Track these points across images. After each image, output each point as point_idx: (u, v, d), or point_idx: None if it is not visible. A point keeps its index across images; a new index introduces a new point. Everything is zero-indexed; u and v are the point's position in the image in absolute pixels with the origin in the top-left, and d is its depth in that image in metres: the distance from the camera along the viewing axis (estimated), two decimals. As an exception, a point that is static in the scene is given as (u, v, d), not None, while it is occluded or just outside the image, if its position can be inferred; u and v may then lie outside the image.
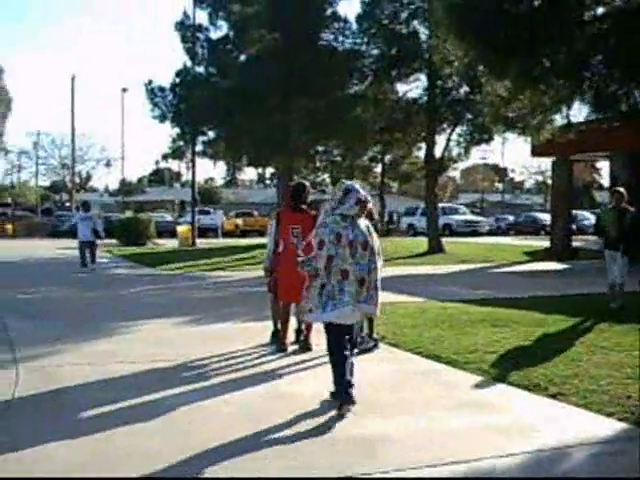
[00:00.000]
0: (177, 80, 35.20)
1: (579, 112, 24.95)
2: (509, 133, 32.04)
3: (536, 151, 31.99)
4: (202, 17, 34.97)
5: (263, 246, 20.82)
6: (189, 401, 7.42)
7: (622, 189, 14.08)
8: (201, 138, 37.95)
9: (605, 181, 75.64)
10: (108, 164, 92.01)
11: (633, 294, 13.48)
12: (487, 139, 32.61)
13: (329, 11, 32.03)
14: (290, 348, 10.02)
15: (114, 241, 37.39)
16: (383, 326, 11.29)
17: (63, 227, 48.71)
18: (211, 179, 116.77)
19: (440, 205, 38.46)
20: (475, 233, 50.24)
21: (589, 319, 12.28)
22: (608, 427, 6.59)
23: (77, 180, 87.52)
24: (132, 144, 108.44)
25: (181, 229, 42.12)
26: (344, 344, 7.30)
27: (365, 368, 8.97)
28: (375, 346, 10.14)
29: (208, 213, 59.06)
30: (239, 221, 58.44)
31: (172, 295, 17.34)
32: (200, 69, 35.28)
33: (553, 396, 7.56)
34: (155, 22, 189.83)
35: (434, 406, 7.31)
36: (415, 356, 9.77)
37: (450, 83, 31.31)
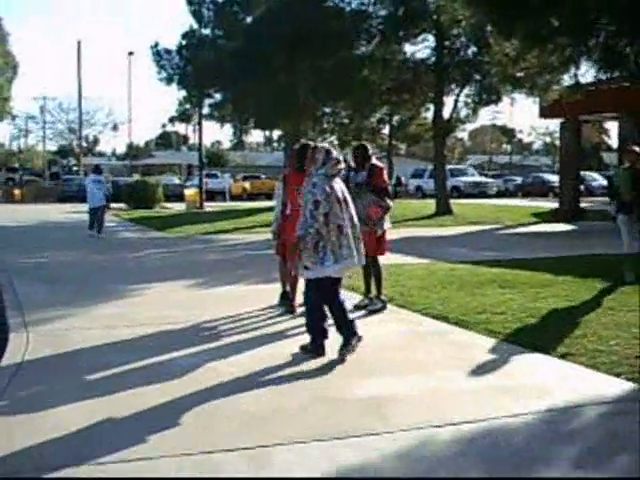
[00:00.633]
0: (183, 42, 35.06)
1: (587, 72, 24.79)
2: (517, 93, 31.91)
3: (544, 112, 31.85)
4: (208, -21, 34.69)
5: (270, 209, 20.86)
6: (198, 362, 7.45)
7: (638, 148, 12.89)
8: (208, 101, 37.85)
9: (614, 142, 75.22)
10: (115, 128, 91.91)
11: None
12: (495, 100, 32.40)
13: (336, -29, 31.70)
14: (299, 310, 10.04)
15: (122, 205, 37.40)
16: (391, 288, 11.30)
17: (71, 191, 48.77)
18: (218, 142, 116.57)
19: (448, 167, 38.28)
20: (483, 195, 50.10)
21: (597, 280, 12.26)
22: (617, 387, 6.59)
23: (84, 144, 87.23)
24: (139, 108, 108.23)
25: (189, 192, 42.13)
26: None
27: (373, 329, 9.00)
28: (383, 307, 10.16)
29: (216, 176, 58.98)
30: (246, 184, 58.34)
31: (181, 258, 17.37)
32: (206, 31, 35.15)
33: (562, 356, 7.56)
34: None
35: (442, 366, 7.32)
36: (423, 317, 9.78)
37: (458, 43, 31.07)
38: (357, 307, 10.19)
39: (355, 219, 7.92)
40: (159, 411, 6.01)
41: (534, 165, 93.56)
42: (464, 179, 52.65)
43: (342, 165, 8.01)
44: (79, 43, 71.12)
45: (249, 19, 33.73)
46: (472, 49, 30.76)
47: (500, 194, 53.34)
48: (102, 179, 22.65)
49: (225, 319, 9.67)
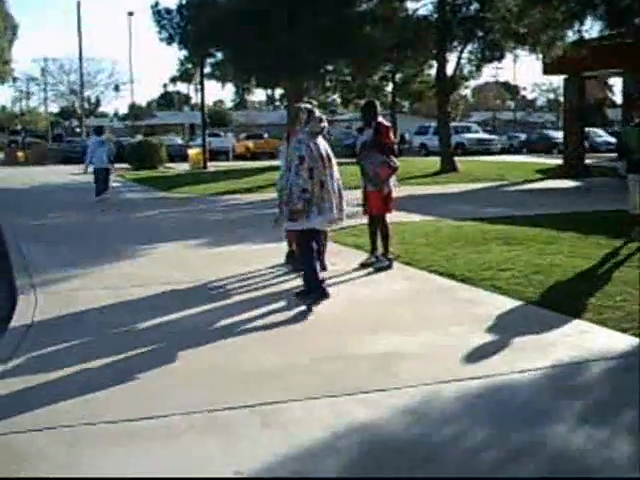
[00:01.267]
0: (183, 1, 34.76)
1: (591, 28, 24.66)
2: (520, 50, 31.77)
3: (548, 69, 31.65)
4: None
5: (275, 168, 20.82)
6: (206, 321, 7.51)
7: None
8: (209, 60, 37.62)
9: (618, 98, 74.70)
10: (117, 88, 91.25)
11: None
12: (498, 57, 32.21)
13: None
14: None
15: (126, 165, 37.33)
16: (397, 245, 11.31)
17: (74, 153, 48.60)
18: (220, 101, 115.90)
19: (452, 124, 38.08)
20: (488, 152, 49.86)
21: (602, 236, 12.27)
22: (623, 343, 6.63)
23: (86, 105, 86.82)
24: (140, 68, 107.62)
25: (192, 152, 42.03)
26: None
27: (380, 286, 9.07)
28: (389, 266, 10.18)
29: (218, 136, 58.77)
30: (250, 143, 58.09)
31: (186, 218, 17.40)
32: (207, -10, 34.75)
33: (567, 312, 7.58)
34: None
35: (449, 323, 7.36)
36: (430, 274, 9.81)
37: (460, 0, 30.80)
38: (364, 265, 10.23)
39: (337, 175, 8.31)
40: (168, 369, 6.06)
41: (538, 122, 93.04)
42: (468, 136, 52.38)
43: (325, 123, 8.36)
44: (79, 3, 70.59)
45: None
46: (474, 5, 30.52)
47: (504, 151, 53.11)
48: (105, 140, 21.85)
49: (232, 278, 9.72)
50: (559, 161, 32.17)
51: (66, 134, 76.63)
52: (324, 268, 9.90)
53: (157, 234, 14.23)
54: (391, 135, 10.36)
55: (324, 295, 7.95)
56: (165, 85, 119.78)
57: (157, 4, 35.02)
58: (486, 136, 56.25)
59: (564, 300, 8.01)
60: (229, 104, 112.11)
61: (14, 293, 9.18)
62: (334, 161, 8.34)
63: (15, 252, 12.24)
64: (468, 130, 54.85)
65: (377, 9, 30.91)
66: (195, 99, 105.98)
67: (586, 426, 4.87)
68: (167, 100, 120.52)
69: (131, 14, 79.27)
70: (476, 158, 40.67)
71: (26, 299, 8.65)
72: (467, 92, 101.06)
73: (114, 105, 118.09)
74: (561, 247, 11.37)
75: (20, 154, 52.82)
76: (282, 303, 8.28)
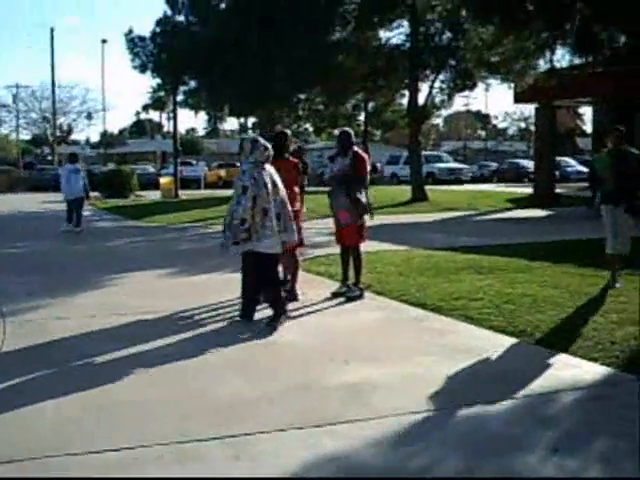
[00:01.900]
0: (157, 29, 34.79)
1: (562, 57, 25.00)
2: (492, 79, 32.11)
3: (519, 98, 31.96)
4: (181, -35, 34.43)
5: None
6: (177, 351, 7.45)
7: (622, 127, 10.99)
8: (182, 88, 37.64)
9: (588, 127, 75.53)
10: (89, 116, 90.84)
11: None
12: (470, 86, 32.45)
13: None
14: (301, 297, 10.00)
15: (97, 194, 37.10)
16: (369, 275, 11.31)
17: (45, 181, 48.31)
18: (193, 130, 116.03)
19: (423, 153, 38.31)
20: (458, 181, 50.19)
21: (573, 265, 12.34)
22: (593, 372, 6.66)
23: (58, 133, 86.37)
24: (113, 96, 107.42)
25: (163, 181, 41.91)
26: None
27: (352, 316, 9.06)
28: (361, 295, 10.18)
29: (190, 164, 58.75)
30: (222, 172, 58.00)
31: (157, 247, 17.33)
32: (180, 18, 34.87)
33: (538, 342, 7.63)
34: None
35: (421, 353, 7.36)
36: (401, 304, 9.81)
37: (433, 29, 31.09)
38: (335, 294, 10.21)
39: (285, 200, 8.71)
40: (138, 400, 6.00)
41: (509, 151, 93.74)
42: (439, 165, 52.69)
43: (270, 152, 8.67)
44: (52, 30, 70.56)
45: (222, 5, 33.56)
46: (447, 35, 30.78)
47: (475, 180, 53.45)
48: (80, 168, 21.28)
49: (204, 307, 9.66)
50: (530, 190, 32.40)
51: (37, 162, 76.11)
52: (295, 298, 9.89)
53: (128, 263, 14.14)
54: (367, 167, 10.40)
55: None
56: (138, 113, 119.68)
57: (131, 32, 35.03)
58: (457, 165, 56.61)
59: (535, 330, 8.04)
60: (201, 132, 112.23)
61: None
62: (280, 186, 8.68)
63: (-16, 281, 12.12)
64: (439, 159, 55.18)
65: (350, 38, 31.11)
66: (167, 127, 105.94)
67: (557, 455, 4.87)
68: (139, 128, 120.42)
69: (104, 41, 78.80)
70: (447, 187, 40.91)
71: (-6, 329, 8.54)
72: (439, 121, 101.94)
73: (86, 133, 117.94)
74: (532, 276, 11.42)
75: (-10, 182, 52.39)
76: (253, 332, 8.24)
